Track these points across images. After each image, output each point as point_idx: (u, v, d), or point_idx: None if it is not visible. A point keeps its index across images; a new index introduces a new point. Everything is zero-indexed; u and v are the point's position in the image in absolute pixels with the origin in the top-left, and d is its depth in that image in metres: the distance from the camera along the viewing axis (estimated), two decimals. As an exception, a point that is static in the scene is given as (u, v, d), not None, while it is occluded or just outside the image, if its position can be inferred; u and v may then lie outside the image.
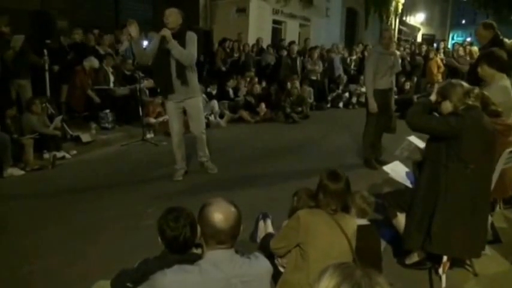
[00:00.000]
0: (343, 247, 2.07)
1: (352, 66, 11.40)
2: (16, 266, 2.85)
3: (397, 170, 3.20)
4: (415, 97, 9.56)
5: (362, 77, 9.69)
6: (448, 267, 2.60)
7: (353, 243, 2.14)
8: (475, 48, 10.18)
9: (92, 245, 3.12)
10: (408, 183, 3.00)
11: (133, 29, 4.20)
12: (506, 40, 4.95)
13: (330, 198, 2.12)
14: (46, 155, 5.23)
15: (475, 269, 2.72)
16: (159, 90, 4.28)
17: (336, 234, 2.07)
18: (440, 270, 2.58)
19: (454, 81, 2.66)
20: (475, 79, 3.51)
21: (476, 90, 2.53)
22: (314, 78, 10.35)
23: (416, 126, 2.59)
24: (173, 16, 4.28)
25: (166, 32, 4.13)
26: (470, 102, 2.47)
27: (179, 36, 4.23)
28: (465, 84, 2.56)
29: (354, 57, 11.60)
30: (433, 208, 2.50)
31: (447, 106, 2.54)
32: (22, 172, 4.85)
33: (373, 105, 4.92)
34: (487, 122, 2.49)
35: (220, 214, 1.59)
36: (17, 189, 4.41)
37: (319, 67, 10.42)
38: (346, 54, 11.83)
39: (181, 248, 1.85)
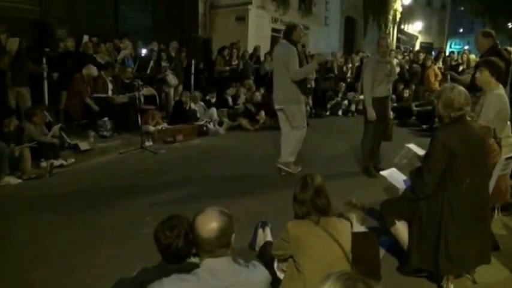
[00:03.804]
0: (337, 254, 2.05)
1: (349, 74, 11.45)
2: (15, 275, 2.83)
3: (394, 176, 3.24)
4: (413, 104, 9.62)
5: (357, 85, 9.74)
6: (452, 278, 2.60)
7: (347, 247, 2.11)
8: (473, 56, 10.27)
9: (90, 254, 3.10)
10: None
11: (321, 59, 5.39)
12: (509, 48, 5.00)
13: (307, 208, 2.11)
14: (43, 164, 5.21)
15: (474, 277, 2.71)
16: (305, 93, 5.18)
17: (326, 242, 2.05)
18: (448, 283, 2.58)
19: (447, 87, 2.63)
20: (476, 89, 3.58)
21: (462, 99, 2.48)
22: (308, 86, 10.37)
23: (432, 185, 2.49)
24: None
25: None
26: (452, 115, 2.47)
27: None
28: (453, 93, 2.50)
29: (350, 65, 11.64)
30: (437, 230, 2.48)
31: (439, 108, 2.57)
32: (19, 180, 4.82)
33: (372, 114, 4.93)
34: (474, 132, 2.51)
35: (204, 224, 1.60)
36: (14, 198, 4.39)
37: (312, 74, 10.44)
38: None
39: (174, 257, 1.84)
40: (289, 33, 4.80)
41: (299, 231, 2.08)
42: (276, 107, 5.04)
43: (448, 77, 7.95)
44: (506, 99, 3.36)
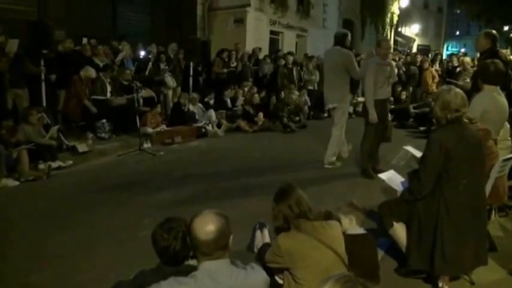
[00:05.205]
0: (332, 259, 2.03)
1: None
2: (13, 277, 2.82)
3: (392, 178, 3.24)
4: (411, 106, 9.65)
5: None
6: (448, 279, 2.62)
7: (341, 250, 2.09)
8: (467, 59, 10.33)
9: (87, 257, 3.09)
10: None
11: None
12: (503, 51, 5.00)
13: (284, 219, 2.10)
14: (41, 166, 5.19)
15: (471, 278, 2.72)
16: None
17: (320, 251, 2.03)
18: (444, 284, 2.60)
19: (444, 89, 2.65)
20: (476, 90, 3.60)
21: (459, 100, 2.49)
22: (311, 87, 10.50)
23: (429, 186, 2.51)
24: None
25: None
26: (449, 116, 2.48)
27: None
28: (450, 95, 2.51)
29: None
30: (433, 230, 2.50)
31: (436, 110, 2.58)
32: (17, 183, 4.80)
33: (374, 116, 4.94)
34: (471, 135, 2.52)
35: (202, 226, 1.60)
36: (11, 200, 4.37)
37: (316, 77, 10.56)
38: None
39: (172, 260, 1.84)
40: (343, 40, 5.35)
41: (291, 246, 2.04)
42: (330, 106, 5.57)
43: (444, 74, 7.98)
44: (497, 102, 3.32)
